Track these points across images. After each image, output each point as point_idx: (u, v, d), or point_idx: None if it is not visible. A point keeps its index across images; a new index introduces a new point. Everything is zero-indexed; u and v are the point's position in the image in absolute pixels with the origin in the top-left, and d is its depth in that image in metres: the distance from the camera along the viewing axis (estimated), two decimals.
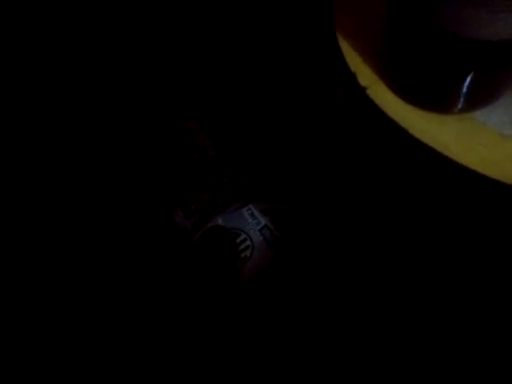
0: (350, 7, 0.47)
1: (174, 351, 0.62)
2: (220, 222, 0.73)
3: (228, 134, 0.80)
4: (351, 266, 0.64)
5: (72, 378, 0.60)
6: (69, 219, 0.71)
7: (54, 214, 0.71)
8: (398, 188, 0.54)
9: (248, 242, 0.71)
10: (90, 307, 0.65)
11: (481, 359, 0.53)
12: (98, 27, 0.77)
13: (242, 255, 0.70)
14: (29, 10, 0.72)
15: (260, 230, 0.72)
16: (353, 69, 0.43)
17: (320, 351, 0.61)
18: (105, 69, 0.79)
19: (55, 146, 0.75)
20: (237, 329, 0.64)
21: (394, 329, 0.59)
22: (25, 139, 0.75)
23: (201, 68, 0.81)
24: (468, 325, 0.55)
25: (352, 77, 0.43)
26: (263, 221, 0.72)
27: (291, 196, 0.73)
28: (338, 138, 0.64)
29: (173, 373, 0.61)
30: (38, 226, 0.71)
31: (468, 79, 0.36)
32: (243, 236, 0.71)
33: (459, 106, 0.39)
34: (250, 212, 0.73)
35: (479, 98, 0.39)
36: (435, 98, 0.40)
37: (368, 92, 0.42)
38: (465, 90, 0.37)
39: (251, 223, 0.72)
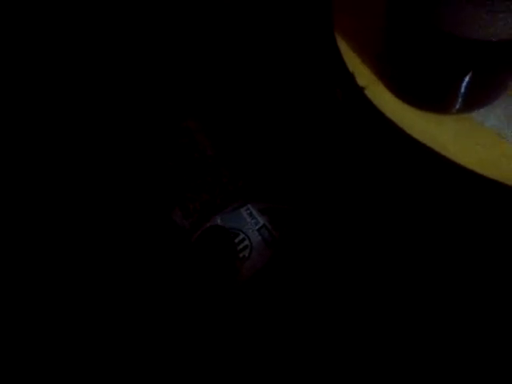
0: (348, 8, 0.47)
1: (173, 350, 0.62)
2: (219, 221, 0.73)
3: (227, 134, 0.80)
4: (349, 265, 0.64)
5: (72, 378, 0.60)
6: (68, 218, 0.71)
7: (54, 214, 0.71)
8: (397, 187, 0.54)
9: (246, 242, 0.71)
10: (89, 306, 0.65)
11: (481, 359, 0.53)
12: (97, 28, 0.77)
13: (241, 255, 0.70)
14: (29, 10, 0.72)
15: (258, 230, 0.72)
16: (351, 69, 0.43)
17: (318, 350, 0.61)
18: (105, 69, 0.79)
19: (55, 145, 0.75)
20: (236, 328, 0.64)
21: (393, 329, 0.59)
22: (25, 139, 0.75)
23: (201, 68, 0.81)
24: (468, 325, 0.55)
25: (350, 77, 0.43)
26: (261, 220, 0.72)
27: (289, 196, 0.73)
28: (336, 138, 0.64)
29: (172, 372, 0.61)
30: (37, 225, 0.71)
31: (466, 79, 0.36)
32: (242, 236, 0.71)
33: (457, 107, 0.39)
34: (248, 212, 0.73)
35: (477, 99, 0.39)
36: (433, 98, 0.40)
37: (366, 92, 0.42)
38: (463, 90, 0.37)
39: (250, 223, 0.72)
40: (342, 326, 0.62)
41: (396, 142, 0.42)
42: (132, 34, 0.78)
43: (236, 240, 0.71)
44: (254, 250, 0.70)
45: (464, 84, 0.37)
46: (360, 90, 0.42)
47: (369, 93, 0.42)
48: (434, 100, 0.40)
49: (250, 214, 0.73)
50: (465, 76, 0.36)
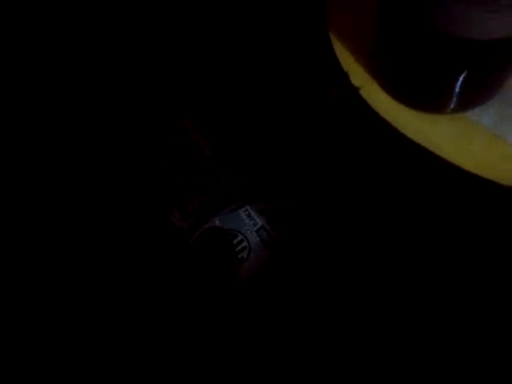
0: (343, 7, 0.47)
1: (172, 351, 0.62)
2: (217, 223, 0.73)
3: (224, 134, 0.80)
4: (347, 266, 0.64)
5: (72, 378, 0.60)
6: (65, 220, 0.71)
7: (52, 215, 0.71)
8: (393, 187, 0.54)
9: (245, 243, 0.71)
10: (88, 307, 0.65)
11: (481, 359, 0.53)
12: (95, 29, 0.77)
13: (239, 256, 0.70)
14: (29, 10, 0.72)
15: (257, 231, 0.72)
16: (345, 68, 0.42)
17: (317, 351, 0.61)
18: (102, 70, 0.79)
19: (49, 145, 0.75)
20: (234, 329, 0.64)
21: (391, 332, 0.59)
22: (22, 141, 0.75)
23: (197, 69, 0.81)
24: (468, 325, 0.55)
25: (345, 77, 0.42)
26: (260, 222, 0.72)
27: (287, 196, 0.73)
28: (332, 138, 0.64)
29: (171, 373, 0.61)
30: (36, 227, 0.71)
31: (460, 79, 0.36)
32: (240, 237, 0.71)
33: (452, 106, 0.39)
34: (246, 213, 0.73)
35: (471, 98, 0.39)
36: (428, 97, 0.40)
37: (361, 92, 0.41)
38: (457, 89, 0.37)
39: (248, 224, 0.72)
40: (340, 327, 0.62)
41: (391, 142, 0.42)
42: (129, 34, 0.78)
43: (234, 241, 0.71)
44: (253, 251, 0.70)
45: (458, 83, 0.36)
46: (355, 90, 0.42)
47: (363, 92, 0.42)
48: (428, 100, 0.40)
49: (249, 215, 0.73)
50: (458, 75, 0.36)
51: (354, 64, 0.43)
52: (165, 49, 0.80)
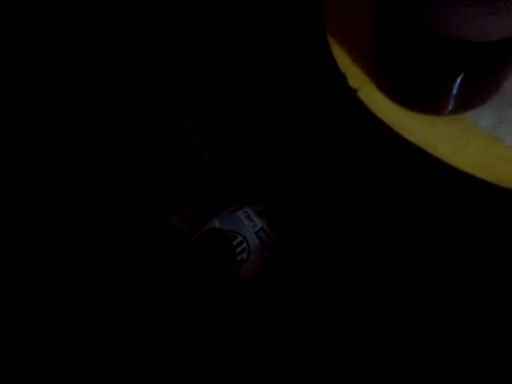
0: (340, 9, 0.47)
1: (171, 353, 0.62)
2: (217, 224, 0.73)
3: (224, 136, 0.80)
4: (347, 268, 0.64)
5: (72, 378, 0.60)
6: (64, 222, 0.71)
7: (49, 216, 0.72)
8: (391, 189, 0.54)
9: (244, 245, 0.71)
10: (86, 309, 0.65)
11: (481, 359, 0.53)
12: (94, 31, 0.77)
13: (239, 258, 0.70)
14: (29, 10, 0.73)
15: (256, 233, 0.72)
16: (343, 70, 0.42)
17: (316, 352, 0.60)
18: (101, 71, 0.79)
19: (49, 146, 0.75)
20: (234, 332, 0.64)
21: (390, 335, 0.59)
22: (22, 142, 0.75)
23: (197, 70, 0.81)
24: (467, 325, 0.55)
25: (343, 79, 0.42)
26: (259, 223, 0.72)
27: (287, 198, 0.73)
28: (331, 140, 0.64)
29: (170, 374, 0.61)
30: (35, 228, 0.71)
31: (458, 81, 0.36)
32: (240, 239, 0.71)
33: (449, 108, 0.39)
34: (246, 215, 0.73)
35: (469, 100, 0.39)
36: (425, 99, 0.40)
37: (358, 94, 0.41)
38: (454, 91, 0.37)
39: (247, 226, 0.72)
40: (340, 329, 0.62)
41: (389, 144, 0.42)
42: (128, 35, 0.78)
43: (234, 243, 0.71)
44: (252, 253, 0.70)
45: (455, 85, 0.36)
46: (352, 92, 0.42)
47: (361, 94, 0.42)
48: (426, 101, 0.40)
49: (248, 217, 0.73)
50: (456, 77, 0.36)
51: (352, 65, 0.43)
52: (164, 51, 0.80)
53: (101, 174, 0.75)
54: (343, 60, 0.43)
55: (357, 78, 0.42)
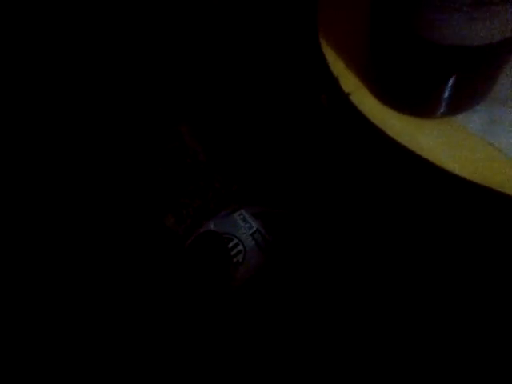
0: (333, 13, 0.47)
1: (166, 356, 0.62)
2: (212, 227, 0.73)
3: (219, 138, 0.80)
4: (343, 269, 0.64)
5: (72, 378, 0.60)
6: (59, 225, 0.71)
7: (44, 217, 0.72)
8: (385, 191, 0.54)
9: (240, 247, 0.71)
10: (82, 311, 0.65)
11: (481, 359, 0.53)
12: (91, 33, 0.77)
13: (235, 260, 0.70)
14: (29, 10, 0.73)
15: (252, 235, 0.72)
16: (336, 74, 0.43)
17: (312, 355, 0.61)
18: (97, 74, 0.79)
19: (42, 149, 0.75)
20: (230, 333, 0.64)
21: (386, 334, 0.59)
22: (18, 145, 0.75)
23: (192, 73, 0.81)
24: (467, 325, 0.55)
25: (335, 82, 0.43)
26: (255, 225, 0.72)
27: (282, 199, 0.73)
28: (325, 143, 0.65)
29: (165, 377, 0.61)
30: (30, 230, 0.71)
31: (448, 84, 0.37)
32: (235, 241, 0.71)
33: (441, 111, 0.40)
34: (241, 217, 0.73)
35: (460, 103, 0.39)
36: (417, 102, 0.41)
37: (351, 98, 0.42)
38: (445, 95, 0.38)
39: (243, 228, 0.72)
40: (336, 330, 0.62)
41: (381, 147, 0.42)
42: (124, 38, 0.78)
43: (229, 245, 0.71)
44: (248, 255, 0.70)
45: (446, 89, 0.37)
46: (345, 96, 0.42)
47: (354, 98, 0.42)
48: (417, 105, 0.41)
49: (244, 219, 0.73)
50: (447, 81, 0.36)
51: (345, 70, 0.43)
52: (160, 54, 0.80)
53: (96, 175, 0.75)
54: (336, 64, 0.44)
55: (349, 82, 0.43)
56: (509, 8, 0.30)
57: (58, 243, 0.70)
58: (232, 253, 0.70)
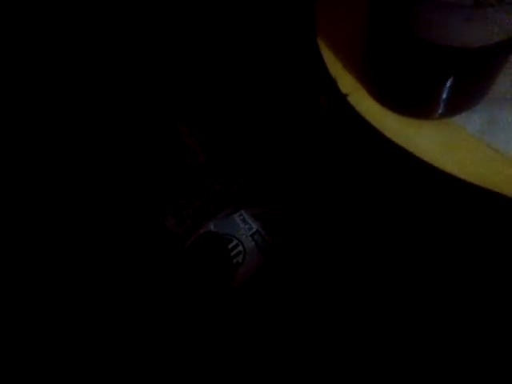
0: (330, 15, 0.47)
1: (166, 356, 0.62)
2: (212, 227, 0.73)
3: (219, 139, 0.80)
4: (342, 270, 0.64)
5: (72, 378, 0.60)
6: (59, 226, 0.71)
7: (43, 218, 0.72)
8: (384, 191, 0.54)
9: (240, 248, 0.71)
10: (81, 312, 0.65)
11: (481, 359, 0.53)
12: (89, 33, 0.77)
13: (234, 261, 0.70)
14: (29, 10, 0.73)
15: (252, 236, 0.72)
16: (333, 75, 0.43)
17: (311, 355, 0.61)
18: (96, 75, 0.79)
19: (40, 149, 0.75)
20: (230, 334, 0.64)
21: (385, 335, 0.59)
22: (17, 145, 0.75)
23: (192, 74, 0.81)
24: (466, 325, 0.55)
25: (333, 83, 0.43)
26: (255, 226, 0.72)
27: (282, 200, 0.73)
28: (324, 144, 0.65)
29: (164, 378, 0.61)
30: (30, 230, 0.71)
31: (446, 86, 0.37)
32: (235, 242, 0.72)
33: (439, 112, 0.39)
34: (241, 218, 0.73)
35: (458, 104, 0.39)
36: (415, 104, 0.40)
37: (349, 98, 0.42)
38: (443, 96, 0.37)
39: (243, 229, 0.72)
40: (335, 330, 0.62)
41: (379, 147, 0.42)
42: (122, 39, 0.78)
43: (229, 246, 0.71)
44: (248, 256, 0.70)
45: (444, 90, 0.37)
46: (343, 97, 0.42)
47: (352, 99, 0.42)
48: (415, 106, 0.40)
49: (243, 220, 0.73)
50: (444, 83, 0.36)
51: (342, 71, 0.43)
52: (159, 55, 0.80)
53: (96, 177, 0.76)
54: (333, 65, 0.43)
55: (347, 83, 0.43)
56: (506, 9, 0.30)
57: (58, 244, 0.70)
58: (232, 254, 0.70)
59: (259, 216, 0.73)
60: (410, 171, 0.42)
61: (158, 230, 0.74)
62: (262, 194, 0.75)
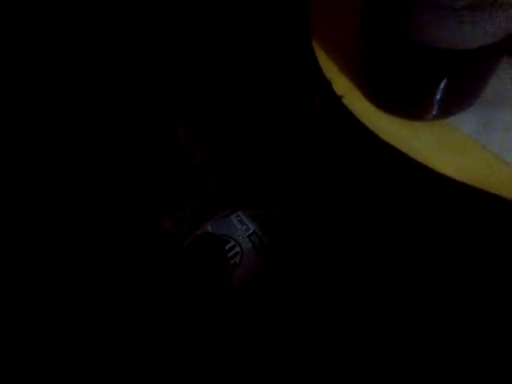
0: (325, 17, 0.47)
1: (164, 357, 0.62)
2: (209, 229, 0.73)
3: (216, 141, 0.80)
4: (339, 270, 0.65)
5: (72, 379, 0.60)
6: (56, 227, 0.71)
7: (41, 219, 0.72)
8: (379, 193, 0.55)
9: (237, 249, 0.71)
10: (79, 313, 0.65)
11: (481, 359, 0.53)
12: (88, 34, 0.77)
13: (232, 262, 0.70)
14: (29, 10, 0.73)
15: (249, 237, 0.72)
16: (328, 76, 0.43)
17: (309, 356, 0.61)
18: (94, 76, 0.79)
19: (38, 151, 0.75)
20: (227, 335, 0.64)
21: (383, 337, 0.59)
22: (16, 146, 0.75)
23: (189, 77, 0.81)
24: (466, 326, 0.55)
25: (328, 85, 0.43)
26: (252, 227, 0.72)
27: (279, 201, 0.73)
28: (320, 145, 0.65)
29: (162, 379, 0.61)
30: (28, 231, 0.71)
31: (440, 87, 0.37)
32: (232, 243, 0.72)
33: (433, 113, 0.40)
34: (238, 219, 0.73)
35: (452, 105, 0.39)
36: (409, 105, 0.41)
37: (343, 100, 0.42)
38: (437, 97, 0.38)
39: (240, 230, 0.72)
40: (332, 331, 0.62)
41: (373, 149, 0.42)
42: (121, 41, 0.78)
43: (226, 247, 0.71)
44: (245, 257, 0.70)
45: (437, 92, 0.37)
46: (338, 98, 0.42)
47: (346, 101, 0.42)
48: (409, 107, 0.41)
49: (241, 221, 0.73)
50: (438, 84, 0.36)
51: (337, 72, 0.44)
52: (157, 57, 0.80)
53: (94, 178, 0.76)
54: (328, 67, 0.44)
55: (342, 85, 0.43)
56: (498, 12, 0.31)
57: (56, 246, 0.70)
58: (229, 255, 0.70)
59: (256, 217, 0.73)
60: (405, 172, 0.42)
61: (155, 232, 0.74)
62: (258, 195, 0.75)
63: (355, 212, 0.63)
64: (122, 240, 0.71)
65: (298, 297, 0.65)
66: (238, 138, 0.78)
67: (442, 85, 0.36)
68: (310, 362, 0.60)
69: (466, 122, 0.40)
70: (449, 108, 0.39)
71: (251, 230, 0.72)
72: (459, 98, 0.39)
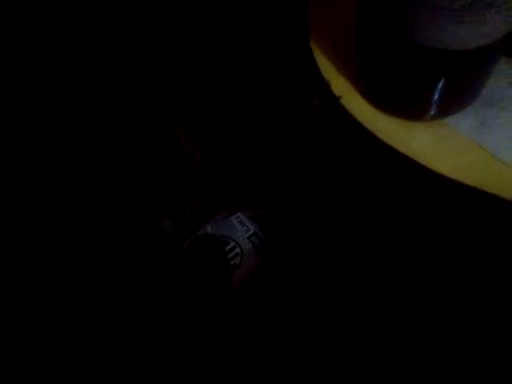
0: (323, 18, 0.47)
1: (163, 359, 0.62)
2: (209, 230, 0.73)
3: (216, 142, 0.80)
4: (339, 271, 0.65)
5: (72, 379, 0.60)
6: (56, 228, 0.72)
7: (41, 219, 0.72)
8: (379, 194, 0.55)
9: (237, 250, 0.71)
10: (78, 315, 0.65)
11: (481, 359, 0.53)
12: (87, 35, 0.77)
13: (232, 263, 0.70)
14: (29, 10, 0.73)
15: (249, 238, 0.72)
16: (326, 77, 0.43)
17: (310, 357, 0.61)
18: (93, 78, 0.79)
19: (39, 153, 0.76)
20: (228, 336, 0.64)
21: (380, 340, 0.59)
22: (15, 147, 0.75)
23: (188, 78, 0.82)
24: (466, 326, 0.55)
25: (327, 86, 0.43)
26: (252, 228, 0.72)
27: (279, 202, 0.73)
28: (319, 146, 0.65)
29: (162, 381, 0.61)
30: (28, 232, 0.71)
31: (437, 88, 0.37)
32: (232, 244, 0.72)
33: (431, 113, 0.40)
34: (238, 219, 0.73)
35: (450, 106, 0.39)
36: (407, 105, 0.41)
37: (342, 101, 0.42)
38: (435, 98, 0.38)
39: (240, 231, 0.72)
40: (333, 332, 0.62)
41: (372, 149, 0.42)
42: (120, 42, 0.78)
43: (227, 248, 0.71)
44: (245, 258, 0.70)
45: (435, 92, 0.37)
46: (336, 99, 0.42)
47: (344, 101, 0.42)
48: (407, 108, 0.41)
49: (241, 222, 0.73)
50: (435, 84, 0.36)
51: (335, 73, 0.44)
52: (156, 59, 0.81)
53: (94, 179, 0.76)
54: (326, 68, 0.44)
55: (340, 85, 0.43)
56: (496, 12, 0.31)
57: (56, 246, 0.70)
58: (229, 256, 0.70)
59: (256, 218, 0.73)
60: (403, 172, 0.42)
61: (155, 232, 0.74)
62: (258, 196, 0.75)
63: (354, 212, 0.63)
64: (123, 240, 0.71)
65: (299, 297, 0.65)
66: (237, 139, 0.78)
67: (440, 85, 0.36)
68: (310, 362, 0.60)
69: (463, 121, 0.40)
70: (447, 108, 0.39)
71: (251, 231, 0.72)
72: (457, 99, 0.39)
